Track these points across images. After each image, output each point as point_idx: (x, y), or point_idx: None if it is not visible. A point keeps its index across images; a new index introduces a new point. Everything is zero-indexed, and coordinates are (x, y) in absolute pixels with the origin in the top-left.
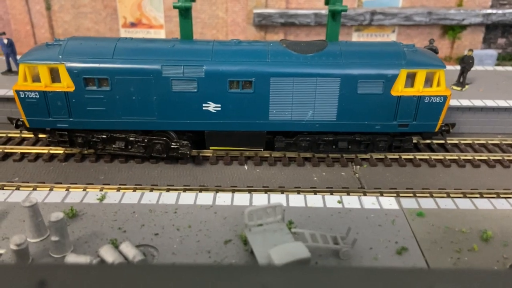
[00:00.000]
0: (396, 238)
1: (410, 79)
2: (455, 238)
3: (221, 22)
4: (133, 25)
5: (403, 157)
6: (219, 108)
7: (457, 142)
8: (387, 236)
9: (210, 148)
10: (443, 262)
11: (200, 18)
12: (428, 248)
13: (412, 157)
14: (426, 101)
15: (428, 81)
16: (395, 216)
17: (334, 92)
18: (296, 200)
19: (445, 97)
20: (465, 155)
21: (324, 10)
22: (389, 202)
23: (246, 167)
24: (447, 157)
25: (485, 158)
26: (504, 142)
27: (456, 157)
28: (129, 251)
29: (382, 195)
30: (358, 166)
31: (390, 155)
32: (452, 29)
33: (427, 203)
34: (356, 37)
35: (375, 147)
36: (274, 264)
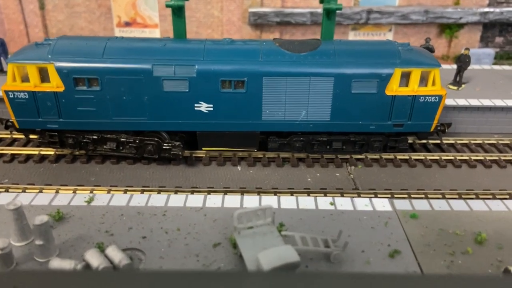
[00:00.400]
0: (389, 240)
1: (405, 79)
2: (449, 241)
3: (217, 21)
4: (127, 24)
5: (399, 157)
6: (211, 108)
7: (453, 142)
8: (379, 239)
9: (203, 148)
10: (436, 266)
11: (195, 17)
12: (421, 251)
13: (407, 157)
14: (421, 100)
15: (423, 80)
16: (388, 218)
17: (328, 92)
18: (288, 201)
19: (441, 97)
20: (461, 155)
21: (320, 9)
22: (382, 204)
23: (239, 168)
24: (443, 158)
25: (482, 158)
26: (500, 142)
27: (452, 157)
28: (115, 255)
29: (376, 196)
30: (352, 167)
31: (385, 156)
32: (449, 28)
33: (421, 205)
34: (352, 36)
35: (370, 147)
36: (263, 268)
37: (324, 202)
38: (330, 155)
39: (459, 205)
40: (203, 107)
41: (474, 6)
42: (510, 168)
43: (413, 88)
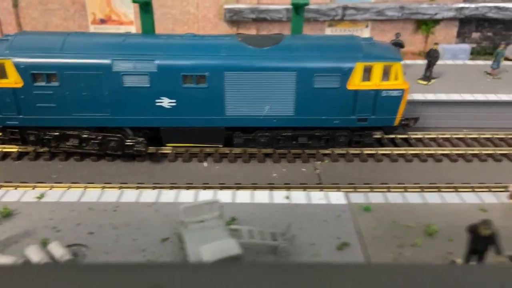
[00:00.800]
0: (339, 233)
1: (367, 73)
2: (399, 233)
3: (192, 18)
4: (102, 21)
5: (365, 152)
6: (174, 104)
7: (421, 136)
8: (330, 232)
9: (167, 144)
10: (384, 258)
11: (171, 14)
12: (371, 243)
13: (374, 152)
14: (383, 94)
15: (386, 75)
16: (341, 211)
17: (291, 87)
18: (243, 196)
19: (403, 91)
20: (428, 150)
21: None
22: (336, 198)
23: (205, 164)
24: (409, 152)
25: (448, 152)
26: (469, 136)
27: (419, 152)
28: (57, 250)
29: (339, 190)
30: (319, 162)
31: (352, 150)
32: (426, 24)
33: (376, 198)
34: (329, 32)
35: (335, 142)
36: (203, 261)
37: (279, 196)
38: (297, 150)
39: (414, 198)
40: (165, 102)
41: (449, 1)
42: (476, 162)
43: (376, 82)
